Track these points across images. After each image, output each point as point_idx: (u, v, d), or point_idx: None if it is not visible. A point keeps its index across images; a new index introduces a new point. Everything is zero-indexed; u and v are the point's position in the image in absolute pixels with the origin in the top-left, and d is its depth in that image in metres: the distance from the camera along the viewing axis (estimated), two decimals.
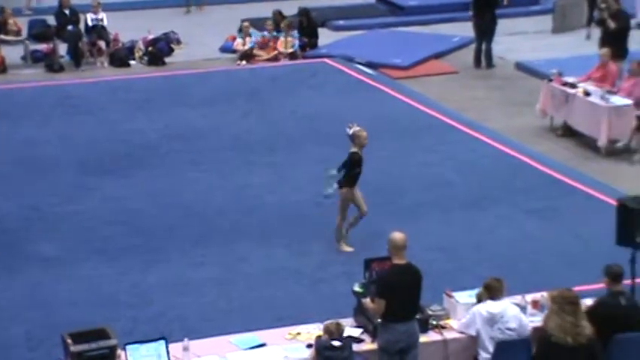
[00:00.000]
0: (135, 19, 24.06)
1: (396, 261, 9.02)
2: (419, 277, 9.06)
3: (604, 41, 17.81)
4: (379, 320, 9.03)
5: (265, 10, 23.55)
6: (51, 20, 22.93)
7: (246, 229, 13.30)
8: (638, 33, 21.36)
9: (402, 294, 8.91)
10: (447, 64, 21.15)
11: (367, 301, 9.13)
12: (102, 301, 11.43)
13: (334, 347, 8.75)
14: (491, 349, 9.12)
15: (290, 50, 21.74)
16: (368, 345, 9.20)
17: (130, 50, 21.91)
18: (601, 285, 9.64)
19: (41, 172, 15.32)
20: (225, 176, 15.15)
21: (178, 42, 22.69)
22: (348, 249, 12.39)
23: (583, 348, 8.84)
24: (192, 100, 18.88)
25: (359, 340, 9.22)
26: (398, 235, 9.05)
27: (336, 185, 12.33)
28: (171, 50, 22.23)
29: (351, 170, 12.27)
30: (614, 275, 9.45)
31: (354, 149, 12.29)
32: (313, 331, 9.35)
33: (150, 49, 21.85)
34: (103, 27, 22.04)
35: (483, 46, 20.64)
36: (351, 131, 12.31)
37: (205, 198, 14.34)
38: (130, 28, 22.58)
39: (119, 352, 8.68)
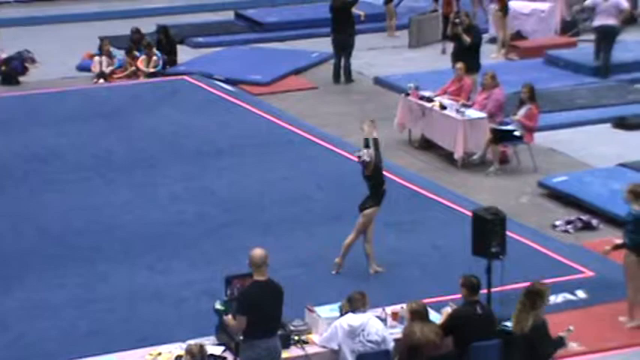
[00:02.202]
0: None
1: (257, 277, 9.03)
2: (280, 293, 9.09)
3: (457, 56, 18.20)
4: (241, 337, 9.03)
5: (122, 28, 23.27)
6: None
7: (107, 249, 13.11)
8: (490, 48, 22.00)
9: (263, 310, 8.92)
10: (306, 79, 21.29)
11: (229, 318, 9.11)
12: None
13: None
14: None
15: (152, 70, 21.50)
16: None
17: None
18: (459, 295, 9.86)
19: None
20: (85, 196, 14.90)
21: (33, 61, 22.22)
22: (380, 269, 12.25)
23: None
24: (49, 119, 18.51)
25: (221, 359, 9.19)
26: (258, 252, 9.06)
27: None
28: (26, 69, 21.75)
29: (379, 189, 12.31)
30: (471, 286, 9.68)
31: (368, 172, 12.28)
32: (175, 350, 9.29)
33: (3, 68, 21.34)
34: None
35: (342, 62, 20.86)
36: (368, 158, 12.29)
37: (64, 219, 14.08)
38: None
39: None
